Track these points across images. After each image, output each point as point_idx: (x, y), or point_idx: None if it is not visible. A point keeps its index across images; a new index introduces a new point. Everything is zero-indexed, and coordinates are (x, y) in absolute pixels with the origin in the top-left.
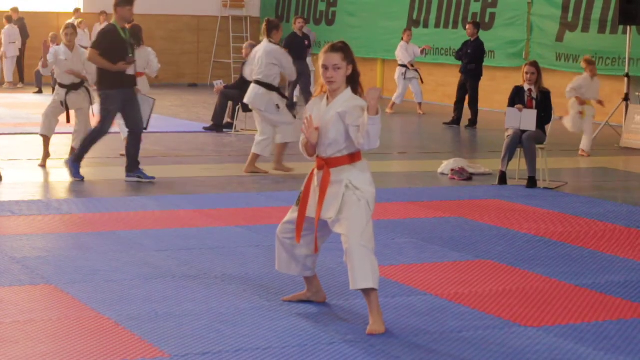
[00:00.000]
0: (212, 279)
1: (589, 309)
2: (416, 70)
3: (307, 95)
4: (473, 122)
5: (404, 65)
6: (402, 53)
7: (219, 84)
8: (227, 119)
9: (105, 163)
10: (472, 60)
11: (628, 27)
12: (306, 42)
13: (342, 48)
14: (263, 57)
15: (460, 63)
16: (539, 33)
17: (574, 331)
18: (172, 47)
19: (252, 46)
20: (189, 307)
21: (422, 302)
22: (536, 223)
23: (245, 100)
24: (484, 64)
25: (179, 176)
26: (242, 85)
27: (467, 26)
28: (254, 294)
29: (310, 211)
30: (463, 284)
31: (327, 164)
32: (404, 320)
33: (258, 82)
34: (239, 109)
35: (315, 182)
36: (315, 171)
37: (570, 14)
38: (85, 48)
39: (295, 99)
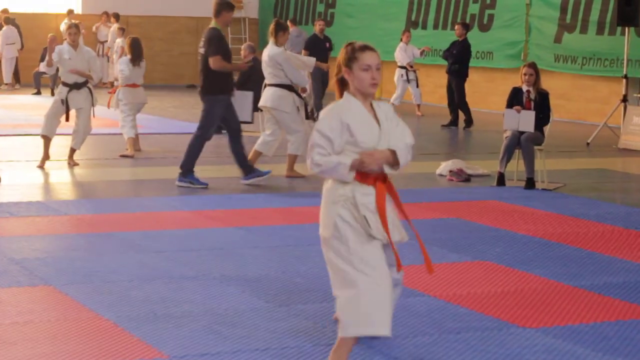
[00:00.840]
0: (211, 280)
1: (587, 310)
2: (414, 72)
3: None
4: (469, 122)
5: (403, 67)
6: (401, 54)
7: None
8: None
9: (103, 164)
10: (457, 60)
11: (626, 29)
12: (327, 45)
13: (375, 48)
14: (267, 62)
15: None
16: (537, 34)
17: (572, 332)
18: (170, 49)
19: (251, 47)
20: (187, 308)
21: (421, 303)
22: (534, 224)
23: (269, 104)
24: (483, 64)
25: (176, 178)
26: (240, 86)
27: (456, 26)
28: (252, 296)
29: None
30: (461, 285)
31: (381, 180)
32: (402, 321)
33: (278, 85)
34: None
35: (361, 203)
36: (360, 190)
37: (569, 16)
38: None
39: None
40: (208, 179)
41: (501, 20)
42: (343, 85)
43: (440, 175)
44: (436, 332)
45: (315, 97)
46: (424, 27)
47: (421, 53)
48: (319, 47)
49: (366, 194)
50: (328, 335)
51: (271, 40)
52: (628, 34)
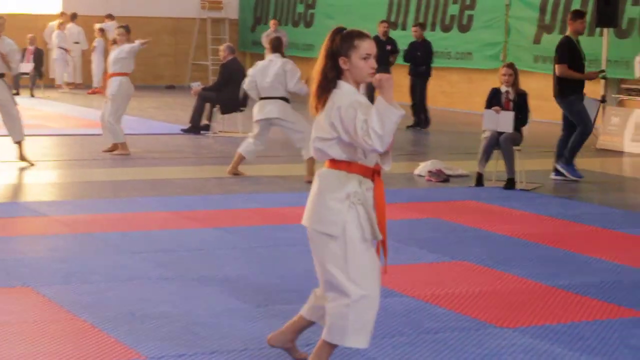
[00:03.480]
0: (189, 281)
1: (565, 310)
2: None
3: None
4: (426, 123)
5: None
6: None
7: (196, 86)
8: (204, 121)
9: (81, 165)
10: (423, 62)
11: (605, 30)
12: (388, 47)
13: None
14: (277, 74)
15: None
16: (517, 35)
17: (549, 332)
18: (150, 49)
19: (230, 48)
20: (165, 309)
21: (399, 304)
22: (512, 224)
23: (280, 116)
24: (463, 65)
25: (156, 178)
26: (220, 87)
27: (414, 28)
28: (230, 296)
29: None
30: (439, 285)
31: (378, 174)
32: (380, 322)
33: (283, 98)
34: (216, 110)
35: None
36: (365, 184)
37: (548, 16)
38: (66, 50)
39: None
40: (187, 180)
41: (480, 21)
42: (338, 74)
43: (419, 175)
44: (414, 332)
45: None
46: (404, 28)
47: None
48: (379, 50)
49: (369, 189)
50: (306, 335)
51: (276, 54)
52: (607, 34)
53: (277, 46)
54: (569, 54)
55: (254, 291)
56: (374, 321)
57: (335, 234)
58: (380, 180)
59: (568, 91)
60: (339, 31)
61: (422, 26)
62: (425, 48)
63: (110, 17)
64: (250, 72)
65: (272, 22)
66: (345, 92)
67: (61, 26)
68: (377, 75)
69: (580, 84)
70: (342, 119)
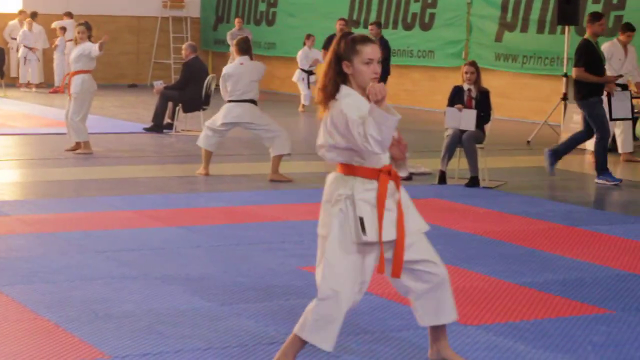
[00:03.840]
0: (152, 279)
1: (528, 307)
2: (315, 75)
3: None
4: None
5: (304, 70)
6: (302, 58)
7: (158, 85)
8: (167, 120)
9: (44, 164)
10: (381, 61)
11: (566, 27)
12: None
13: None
14: (252, 77)
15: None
16: (478, 33)
17: (513, 329)
18: (111, 48)
19: (192, 47)
20: (128, 308)
21: (363, 302)
22: (475, 222)
23: (251, 120)
24: (425, 63)
25: (119, 177)
26: (183, 86)
27: (370, 27)
28: (194, 295)
29: (374, 234)
30: None
31: (385, 173)
32: (345, 320)
33: (251, 101)
34: (179, 109)
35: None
36: (362, 186)
37: (509, 14)
38: (31, 49)
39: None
40: (150, 179)
41: (442, 19)
42: (343, 79)
43: None
44: (378, 330)
45: None
46: (365, 26)
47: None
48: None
49: (368, 190)
50: (270, 334)
51: (245, 56)
52: (568, 32)
53: (246, 49)
54: (588, 57)
55: (218, 290)
56: (339, 324)
57: (322, 234)
58: (384, 180)
59: (588, 93)
60: (345, 35)
61: (379, 24)
62: (386, 47)
63: (68, 15)
64: (223, 74)
65: (237, 21)
66: (345, 97)
67: (28, 25)
68: (369, 86)
69: (600, 87)
70: (336, 125)
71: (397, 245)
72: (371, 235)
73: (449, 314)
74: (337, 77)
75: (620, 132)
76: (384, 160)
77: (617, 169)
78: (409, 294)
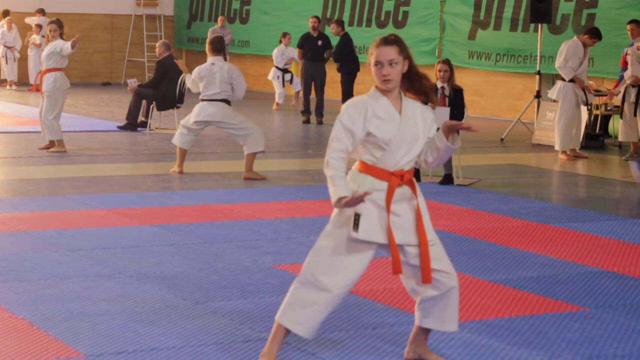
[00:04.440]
0: (127, 278)
1: (502, 304)
2: (290, 73)
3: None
4: None
5: (279, 68)
6: (278, 56)
7: (132, 83)
8: (141, 118)
9: (18, 163)
10: (338, 57)
11: (539, 25)
12: (319, 43)
13: (396, 41)
14: (223, 77)
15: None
16: (452, 31)
17: (487, 326)
18: (85, 46)
19: (166, 45)
20: (103, 307)
21: None
22: (449, 219)
23: (223, 119)
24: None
25: (92, 175)
26: (157, 84)
27: (332, 25)
28: (169, 293)
29: (385, 237)
30: (377, 281)
31: (398, 176)
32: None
33: (226, 100)
34: (153, 107)
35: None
36: (371, 185)
37: (482, 13)
38: (10, 48)
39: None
40: (124, 177)
41: (416, 17)
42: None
43: None
44: (353, 327)
45: (305, 97)
46: None
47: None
48: (309, 45)
49: (376, 190)
50: (245, 332)
51: (219, 57)
52: (541, 30)
53: (220, 48)
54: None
55: (193, 288)
56: (317, 311)
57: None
58: (394, 182)
59: None
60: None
61: (340, 22)
62: (342, 43)
63: (41, 12)
64: (194, 75)
65: (219, 19)
66: (358, 100)
67: (7, 24)
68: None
69: None
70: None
71: (422, 250)
72: (363, 233)
73: (452, 323)
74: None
75: (575, 131)
76: (401, 164)
77: (583, 166)
78: (414, 295)
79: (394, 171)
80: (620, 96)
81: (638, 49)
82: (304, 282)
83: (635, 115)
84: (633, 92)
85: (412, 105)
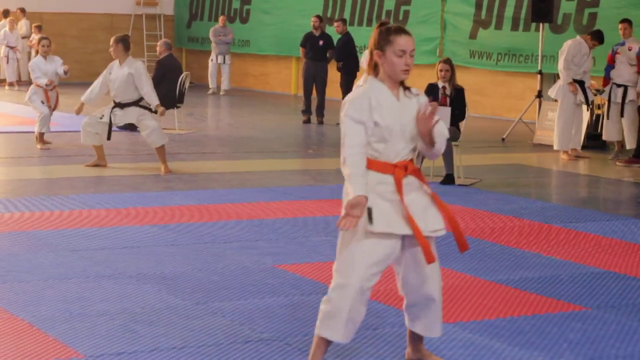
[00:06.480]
0: (127, 278)
1: (504, 305)
2: None
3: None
4: None
5: None
6: None
7: None
8: None
9: (17, 163)
10: (339, 57)
11: (540, 25)
12: (321, 42)
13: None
14: (127, 78)
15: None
16: (453, 30)
17: (489, 327)
18: (85, 46)
19: (167, 44)
20: (103, 307)
21: None
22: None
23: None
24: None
25: (92, 175)
26: (157, 83)
27: (336, 23)
28: (169, 294)
29: (400, 228)
30: (379, 281)
31: (401, 168)
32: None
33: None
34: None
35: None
36: (378, 178)
37: (484, 12)
38: (12, 48)
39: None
40: (123, 177)
41: (416, 16)
42: (376, 70)
43: None
44: None
45: (305, 97)
46: None
47: None
48: (311, 44)
49: (381, 183)
50: (245, 333)
51: (128, 57)
52: (542, 30)
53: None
54: None
55: (193, 288)
56: (347, 312)
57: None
58: (399, 174)
59: None
60: (381, 25)
61: (344, 21)
62: (343, 43)
63: (22, 11)
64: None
65: (221, 18)
66: (359, 91)
67: (10, 25)
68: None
69: None
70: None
71: (451, 223)
72: (378, 226)
73: (436, 330)
74: (370, 69)
75: (575, 130)
76: (403, 155)
77: (585, 166)
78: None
79: (397, 163)
80: (605, 95)
81: (629, 49)
82: (330, 289)
83: (622, 115)
84: (619, 92)
85: (412, 95)
